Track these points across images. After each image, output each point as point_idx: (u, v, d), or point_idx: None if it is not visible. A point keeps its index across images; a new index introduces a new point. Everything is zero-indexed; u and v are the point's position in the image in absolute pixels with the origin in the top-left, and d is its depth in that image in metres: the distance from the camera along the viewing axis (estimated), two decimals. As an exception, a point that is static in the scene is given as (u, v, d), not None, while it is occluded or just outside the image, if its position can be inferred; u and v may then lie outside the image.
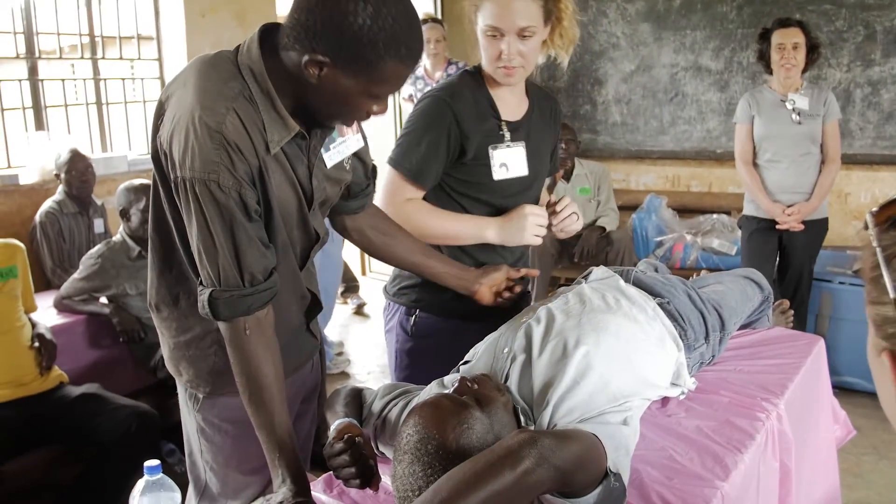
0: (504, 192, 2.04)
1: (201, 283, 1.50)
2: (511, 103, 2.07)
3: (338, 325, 5.46)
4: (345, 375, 4.51)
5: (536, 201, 2.14)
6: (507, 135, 2.03)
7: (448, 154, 1.98)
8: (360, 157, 1.77)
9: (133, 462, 2.81)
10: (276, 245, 1.54)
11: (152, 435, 2.84)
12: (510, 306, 2.00)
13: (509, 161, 2.04)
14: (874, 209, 0.78)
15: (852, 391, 3.76)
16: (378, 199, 2.00)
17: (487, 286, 1.98)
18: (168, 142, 1.43)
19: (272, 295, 1.51)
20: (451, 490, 1.17)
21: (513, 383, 1.55)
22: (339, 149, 1.63)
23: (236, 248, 1.45)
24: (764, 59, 3.89)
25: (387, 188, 2.02)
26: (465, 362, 1.73)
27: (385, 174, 2.00)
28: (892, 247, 0.75)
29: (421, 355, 2.11)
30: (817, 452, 2.16)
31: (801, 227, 3.90)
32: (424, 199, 2.03)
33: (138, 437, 2.78)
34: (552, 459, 1.22)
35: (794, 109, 3.84)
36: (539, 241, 2.05)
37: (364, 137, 1.75)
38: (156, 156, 1.50)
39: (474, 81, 2.02)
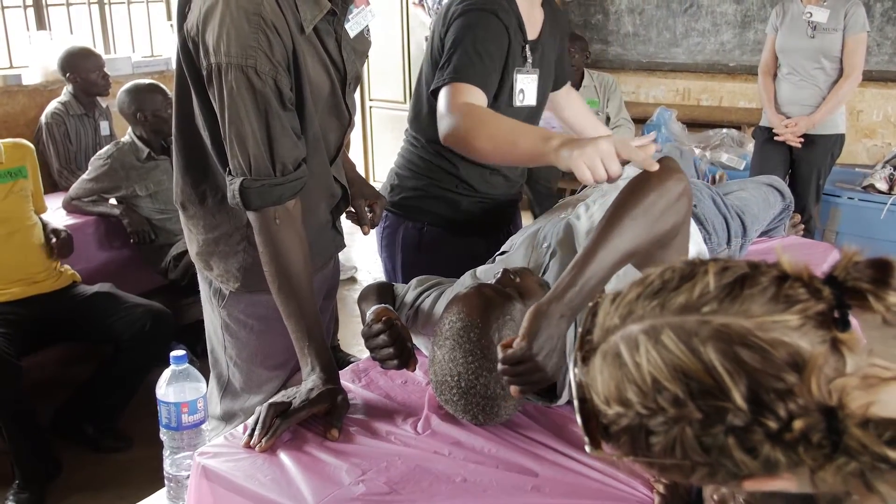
0: None
1: (229, 172, 1.49)
2: (533, 18, 1.87)
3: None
4: (352, 281, 4.54)
5: None
6: (530, 58, 1.86)
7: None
8: None
9: (147, 360, 2.86)
10: (307, 138, 1.53)
11: (167, 333, 2.87)
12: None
13: (526, 88, 1.87)
14: (577, 353, 0.61)
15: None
16: (441, 114, 1.69)
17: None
18: (199, 28, 1.39)
19: (302, 185, 1.51)
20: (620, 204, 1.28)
21: (551, 277, 1.55)
22: (357, 20, 1.60)
23: (270, 136, 1.43)
24: None
25: (449, 98, 1.68)
26: (502, 253, 1.73)
27: (442, 94, 1.70)
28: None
29: (429, 270, 1.92)
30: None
31: (799, 140, 3.85)
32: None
33: (153, 336, 2.81)
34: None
35: (809, 23, 3.76)
36: (588, 179, 1.38)
37: None
38: (184, 47, 1.45)
39: None
